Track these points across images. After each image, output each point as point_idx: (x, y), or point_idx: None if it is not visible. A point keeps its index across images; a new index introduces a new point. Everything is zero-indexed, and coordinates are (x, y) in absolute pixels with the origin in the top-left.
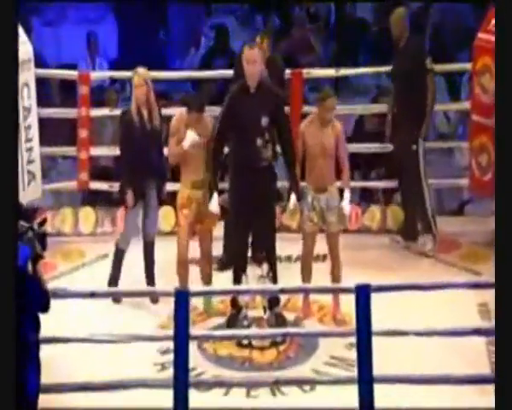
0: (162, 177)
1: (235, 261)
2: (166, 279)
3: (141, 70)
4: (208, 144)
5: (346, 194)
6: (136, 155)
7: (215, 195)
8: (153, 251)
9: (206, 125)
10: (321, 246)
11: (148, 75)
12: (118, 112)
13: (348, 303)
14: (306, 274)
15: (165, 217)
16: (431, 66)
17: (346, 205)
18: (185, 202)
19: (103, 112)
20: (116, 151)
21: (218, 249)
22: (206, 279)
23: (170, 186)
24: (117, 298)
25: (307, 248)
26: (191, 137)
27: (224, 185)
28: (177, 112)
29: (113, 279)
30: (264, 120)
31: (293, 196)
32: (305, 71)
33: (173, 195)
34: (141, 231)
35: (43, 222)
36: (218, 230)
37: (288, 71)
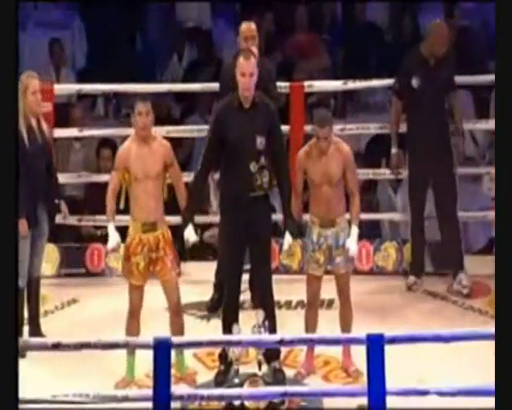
0: (53, 201)
1: (224, 307)
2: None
3: (33, 73)
4: (168, 173)
5: (353, 230)
6: (26, 175)
7: (190, 225)
8: (39, 290)
9: (158, 150)
10: (325, 290)
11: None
12: (88, 132)
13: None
14: (311, 324)
15: None
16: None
17: (352, 244)
18: (135, 248)
19: (70, 132)
20: (87, 179)
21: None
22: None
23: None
24: (22, 353)
25: (312, 294)
26: (114, 241)
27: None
28: (124, 144)
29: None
30: (260, 142)
31: (287, 235)
32: (306, 84)
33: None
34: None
35: None
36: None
37: (286, 84)
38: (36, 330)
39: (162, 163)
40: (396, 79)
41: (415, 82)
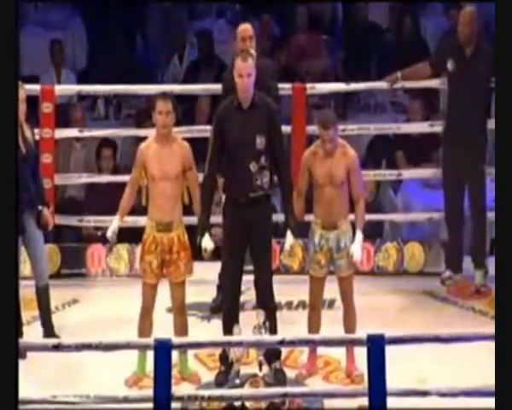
0: (41, 205)
1: (224, 307)
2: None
3: (20, 83)
4: (186, 176)
5: (358, 236)
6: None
7: (206, 234)
8: (48, 296)
9: (177, 152)
10: (326, 290)
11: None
12: (88, 133)
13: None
14: (314, 326)
15: None
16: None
17: (356, 250)
18: (149, 246)
19: (71, 133)
20: (87, 179)
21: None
22: (180, 336)
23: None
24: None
25: (315, 296)
26: (110, 231)
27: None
28: (145, 142)
29: None
30: (260, 141)
31: (288, 234)
32: (308, 85)
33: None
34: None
35: None
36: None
37: (288, 85)
38: (50, 332)
39: (181, 165)
40: (433, 54)
41: (450, 65)
